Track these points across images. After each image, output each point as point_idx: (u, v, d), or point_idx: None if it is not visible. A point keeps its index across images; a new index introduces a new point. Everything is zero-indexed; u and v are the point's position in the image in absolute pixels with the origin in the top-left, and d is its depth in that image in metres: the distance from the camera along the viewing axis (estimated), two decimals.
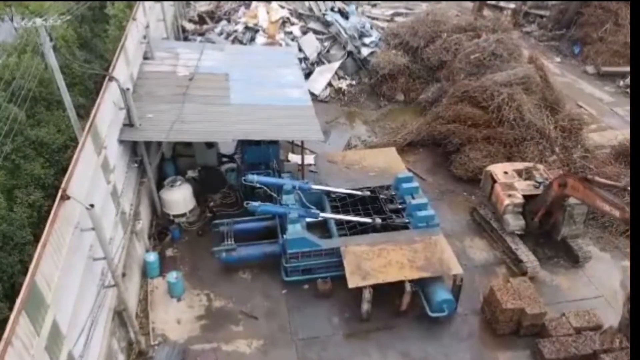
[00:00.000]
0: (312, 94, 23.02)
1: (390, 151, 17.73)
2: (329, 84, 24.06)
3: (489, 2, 31.22)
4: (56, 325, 8.06)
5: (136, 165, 14.69)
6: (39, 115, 15.81)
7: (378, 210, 14.83)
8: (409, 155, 19.65)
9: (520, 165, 16.15)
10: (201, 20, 30.90)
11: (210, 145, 17.30)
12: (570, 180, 12.66)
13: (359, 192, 15.19)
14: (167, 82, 17.00)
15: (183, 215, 15.90)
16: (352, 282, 12.47)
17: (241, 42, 25.84)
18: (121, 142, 13.72)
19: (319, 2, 27.77)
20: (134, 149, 14.72)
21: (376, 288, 12.71)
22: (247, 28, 26.37)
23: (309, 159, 17.68)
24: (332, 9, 27.17)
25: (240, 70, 18.57)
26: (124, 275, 12.30)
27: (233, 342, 12.61)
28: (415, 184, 15.23)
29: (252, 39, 25.99)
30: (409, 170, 18.56)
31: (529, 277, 13.91)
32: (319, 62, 24.97)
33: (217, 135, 14.96)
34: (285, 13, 27.07)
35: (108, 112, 12.89)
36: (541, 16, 31.99)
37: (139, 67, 17.39)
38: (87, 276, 9.86)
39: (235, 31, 26.35)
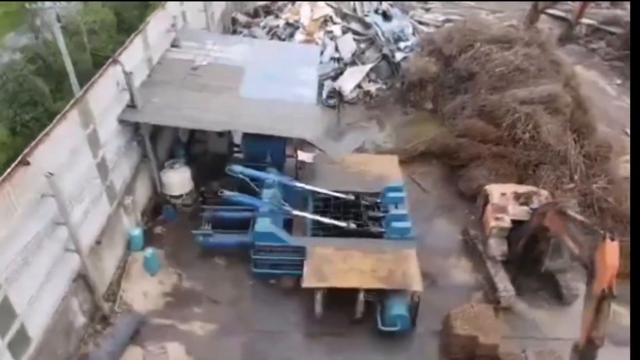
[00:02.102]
0: (339, 95, 23.17)
1: (391, 159, 17.39)
2: (359, 86, 23.90)
3: (550, 12, 29.28)
4: None
5: (136, 144, 15.59)
6: (66, 91, 17.27)
7: (359, 215, 14.65)
8: (420, 165, 19.12)
9: (522, 188, 15.17)
10: (256, 13, 31.85)
11: (220, 134, 17.92)
12: (549, 211, 11.79)
13: (343, 195, 15.09)
14: (184, 70, 17.81)
15: (179, 197, 16.65)
16: (308, 282, 12.50)
17: (280, 38, 26.39)
18: (121, 121, 14.64)
19: (364, 2, 27.65)
20: (136, 129, 15.63)
21: (338, 293, 12.61)
22: (288, 24, 26.86)
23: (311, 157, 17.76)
24: (376, 11, 26.93)
25: (259, 65, 19.01)
26: (99, 243, 13.26)
27: (190, 322, 13.14)
28: (401, 194, 14.86)
29: (292, 35, 26.44)
30: (414, 180, 18.20)
31: (504, 308, 13.18)
32: (353, 62, 24.89)
33: (213, 125, 15.46)
34: (329, 12, 27.24)
35: (107, 91, 13.80)
36: (612, 33, 29.55)
37: (162, 54, 18.36)
38: (46, 238, 10.75)
39: (277, 27, 26.94)
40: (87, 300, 12.68)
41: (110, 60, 14.16)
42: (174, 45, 19.28)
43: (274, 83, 17.83)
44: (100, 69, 16.42)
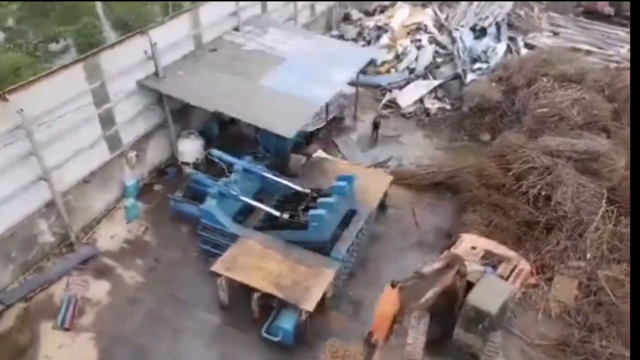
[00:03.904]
0: (396, 105, 22.46)
1: (384, 177, 16.56)
2: (420, 101, 22.71)
3: None
4: None
5: (160, 109, 17.52)
6: None
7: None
8: (433, 196, 17.70)
9: (500, 249, 13.20)
10: (374, 12, 31.90)
11: None
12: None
13: (299, 188, 14.87)
14: (227, 52, 19.22)
15: (188, 164, 18.29)
16: (216, 267, 12.98)
17: (365, 40, 26.26)
18: (140, 85, 16.65)
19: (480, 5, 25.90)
20: (160, 96, 17.50)
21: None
22: (378, 27, 26.51)
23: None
24: (473, 27, 24.95)
25: (302, 60, 19.47)
26: (86, 182, 15.55)
27: (128, 270, 14.72)
28: (346, 185, 14.07)
29: (378, 38, 26.10)
30: (412, 209, 17.05)
31: None
32: (425, 75, 23.67)
33: (208, 104, 16.46)
34: (424, 20, 26.13)
35: (129, 56, 15.82)
36: None
37: (220, 35, 19.99)
38: (18, 164, 13.18)
39: (367, 27, 26.79)
40: (60, 226, 15.06)
41: (138, 30, 16.18)
42: (236, 29, 20.85)
43: (300, 78, 18.17)
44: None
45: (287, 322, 12.11)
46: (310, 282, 12.57)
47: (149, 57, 16.63)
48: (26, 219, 13.99)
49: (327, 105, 19.42)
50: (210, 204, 14.28)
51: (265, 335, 12.28)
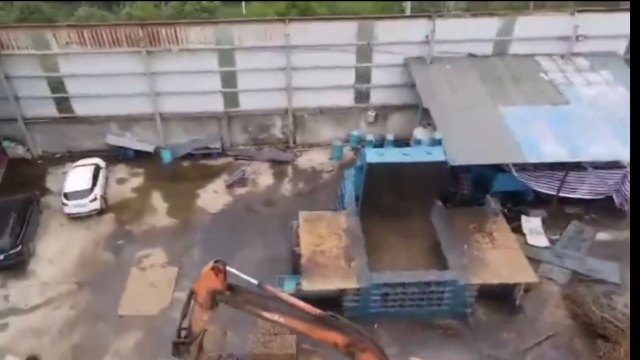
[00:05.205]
0: None
1: (525, 273, 12.99)
2: None
3: None
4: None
5: (410, 88, 18.54)
6: None
7: None
8: (586, 342, 12.87)
9: None
10: None
11: None
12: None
13: None
14: (516, 71, 17.61)
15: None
16: (301, 213, 14.45)
17: None
18: (405, 62, 18.05)
19: None
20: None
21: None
22: None
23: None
24: None
25: (582, 111, 16.13)
26: (322, 112, 19.18)
27: (290, 184, 18.08)
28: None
29: None
30: (551, 335, 13.20)
31: None
32: None
33: (429, 100, 16.32)
34: None
35: (405, 33, 17.49)
36: None
37: (530, 52, 18.19)
38: (275, 71, 17.91)
39: None
40: (288, 130, 19.48)
41: (427, 14, 17.28)
42: (562, 56, 18.31)
43: (545, 126, 15.50)
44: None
45: (289, 283, 12.94)
46: (332, 275, 12.60)
47: (426, 41, 17.62)
48: (267, 112, 19.04)
49: (566, 172, 15.43)
50: (350, 172, 15.37)
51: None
